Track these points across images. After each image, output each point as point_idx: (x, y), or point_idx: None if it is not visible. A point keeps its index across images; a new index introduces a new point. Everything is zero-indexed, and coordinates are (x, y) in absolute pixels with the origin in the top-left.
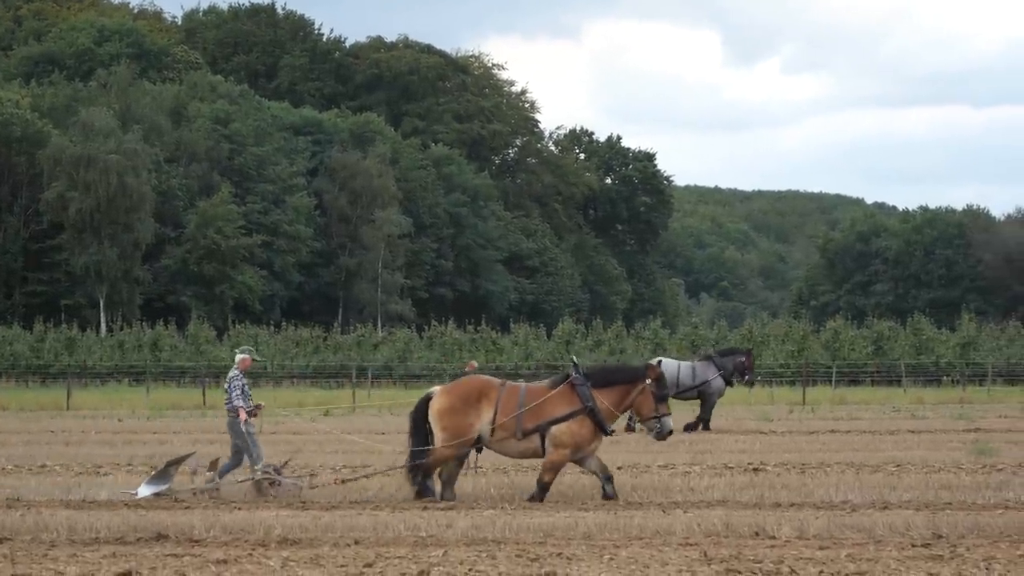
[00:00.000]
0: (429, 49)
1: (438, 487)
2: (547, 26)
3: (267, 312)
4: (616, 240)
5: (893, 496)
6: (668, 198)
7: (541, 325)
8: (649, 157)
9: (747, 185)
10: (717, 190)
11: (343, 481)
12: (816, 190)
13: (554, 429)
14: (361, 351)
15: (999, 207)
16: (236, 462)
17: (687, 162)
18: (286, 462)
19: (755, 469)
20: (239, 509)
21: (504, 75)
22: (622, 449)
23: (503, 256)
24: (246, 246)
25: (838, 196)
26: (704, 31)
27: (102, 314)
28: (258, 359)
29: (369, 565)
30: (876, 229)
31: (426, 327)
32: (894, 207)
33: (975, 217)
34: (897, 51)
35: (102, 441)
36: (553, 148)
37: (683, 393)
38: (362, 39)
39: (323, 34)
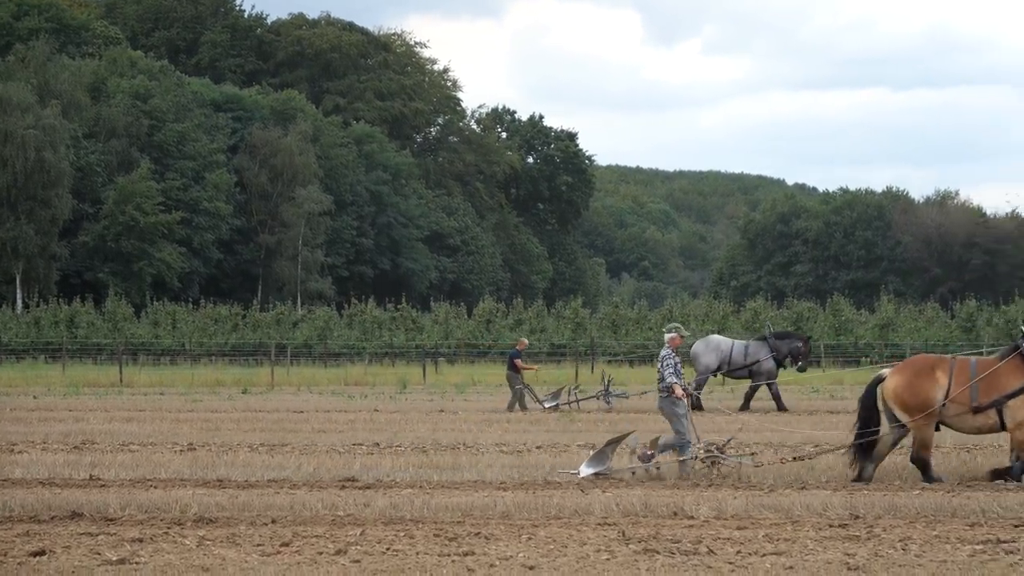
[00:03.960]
0: (351, 27)
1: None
2: (469, 5)
3: (185, 289)
4: (537, 219)
5: (811, 477)
6: (590, 177)
7: (462, 304)
8: (571, 136)
9: (668, 165)
10: (639, 170)
11: (795, 459)
12: (737, 171)
13: (1012, 404)
14: (280, 329)
15: (918, 189)
16: (679, 440)
17: (609, 142)
18: (729, 440)
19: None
20: (155, 487)
21: (426, 53)
22: (541, 429)
23: (424, 234)
24: (165, 223)
25: (759, 177)
26: (625, 11)
27: (18, 290)
28: (686, 335)
29: (286, 544)
30: (796, 210)
31: (346, 305)
32: (814, 188)
33: (895, 199)
34: (817, 33)
35: (16, 419)
36: (475, 127)
37: (734, 372)
38: (284, 16)
39: (244, 11)
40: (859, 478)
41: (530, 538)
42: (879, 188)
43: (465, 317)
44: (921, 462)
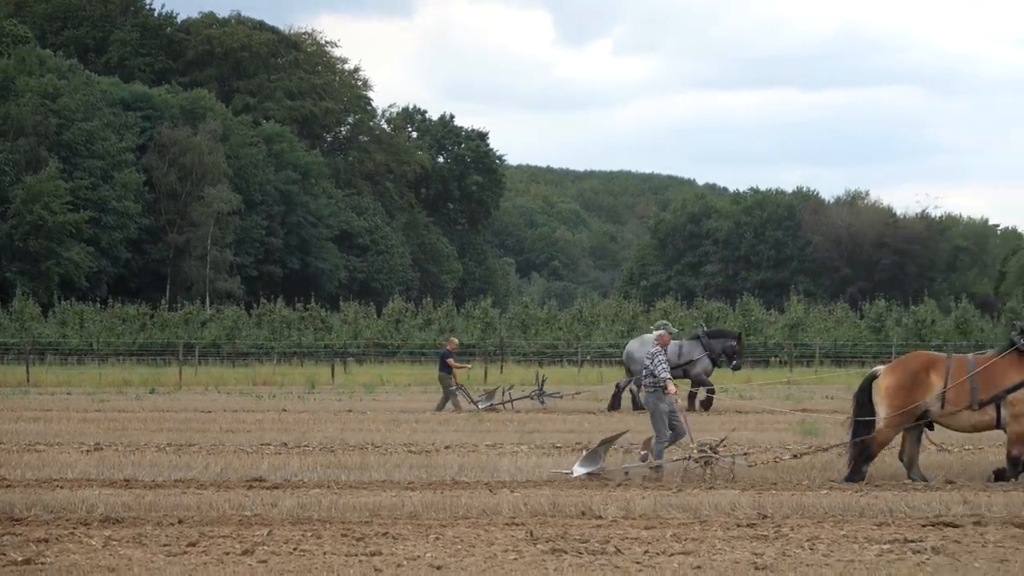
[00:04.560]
0: (261, 25)
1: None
2: (379, 4)
3: (94, 289)
4: (447, 219)
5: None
6: (500, 177)
7: (371, 303)
8: (481, 136)
9: (579, 165)
10: (549, 170)
11: (793, 457)
12: (648, 171)
13: (1011, 398)
14: (189, 329)
15: (828, 189)
16: (674, 438)
17: (520, 141)
18: (722, 440)
19: (583, 449)
20: (61, 488)
21: (337, 52)
22: (449, 429)
23: (333, 234)
24: (73, 222)
25: (669, 177)
26: (536, 11)
27: None
28: (674, 331)
29: (193, 544)
30: (707, 210)
31: (255, 305)
32: (725, 188)
33: (805, 199)
34: (728, 33)
35: None
36: (385, 126)
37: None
38: (194, 15)
39: (154, 9)
40: (851, 478)
41: (438, 538)
42: (789, 188)
43: (374, 317)
44: (868, 455)
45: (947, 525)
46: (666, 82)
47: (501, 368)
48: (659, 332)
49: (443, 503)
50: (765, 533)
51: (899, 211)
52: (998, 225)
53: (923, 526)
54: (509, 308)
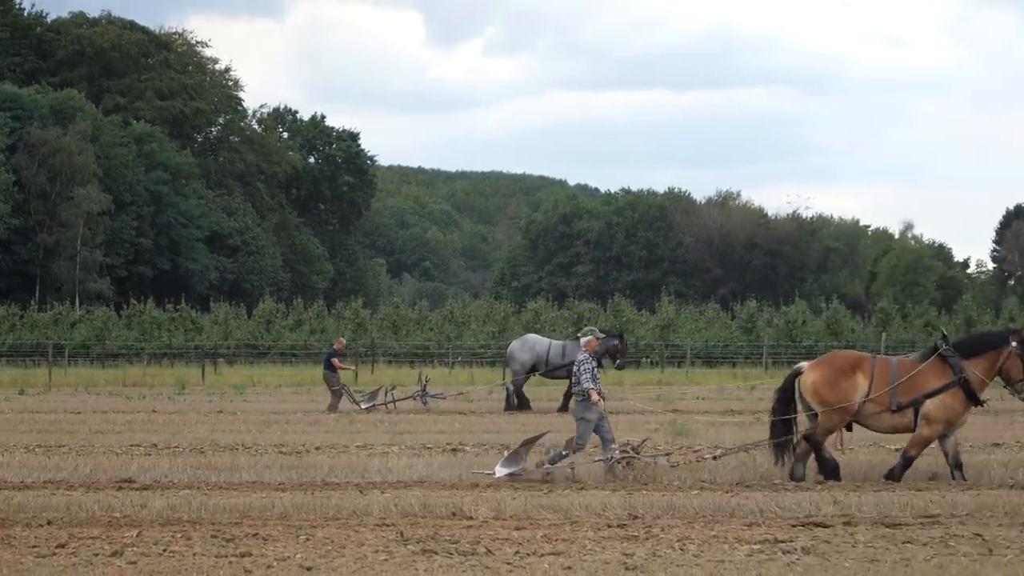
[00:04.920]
0: (132, 26)
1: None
2: (249, 4)
3: None
4: (319, 219)
5: (590, 477)
6: (371, 178)
7: (241, 304)
8: (352, 136)
9: (450, 166)
10: (420, 170)
11: (715, 458)
12: (519, 171)
13: (928, 403)
14: (58, 330)
15: (700, 190)
16: (583, 444)
17: (390, 142)
18: (644, 440)
19: (454, 450)
20: None
21: (208, 53)
22: (320, 430)
23: (204, 235)
24: None
25: (541, 178)
26: (407, 12)
27: None
28: (601, 336)
29: (62, 545)
30: (578, 211)
31: (125, 305)
32: (596, 189)
33: (676, 200)
34: (599, 34)
35: None
36: (256, 127)
37: (551, 372)
38: (64, 14)
39: (24, 8)
40: (792, 476)
41: (308, 539)
42: (661, 189)
43: (245, 317)
44: (814, 443)
45: (817, 525)
46: (537, 83)
47: (372, 369)
48: (587, 339)
49: (313, 504)
50: (636, 534)
51: (770, 212)
52: (869, 226)
53: (793, 526)
54: (380, 309)
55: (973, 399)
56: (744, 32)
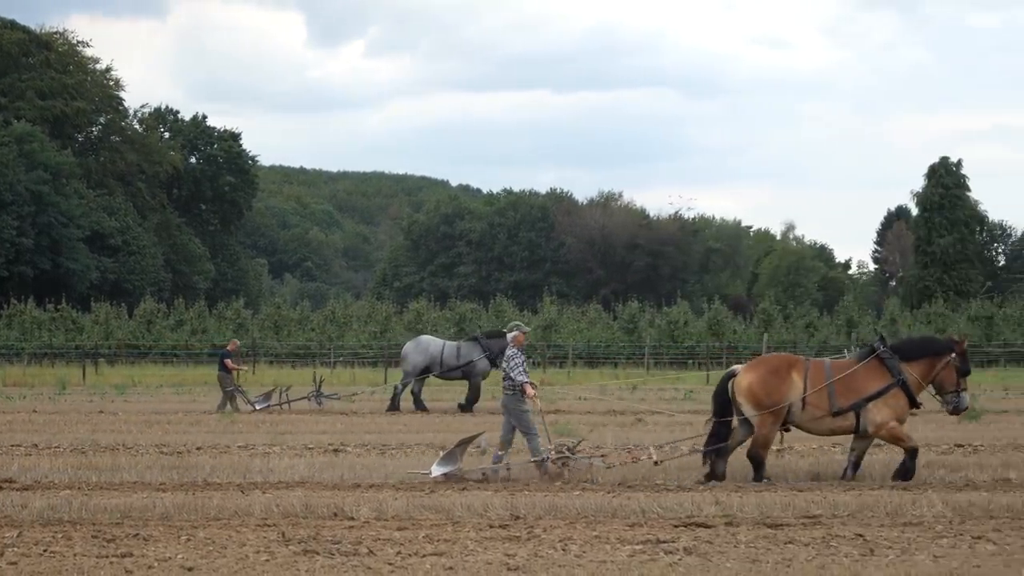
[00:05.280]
0: (12, 24)
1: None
2: (131, 4)
3: None
4: (200, 219)
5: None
6: (253, 178)
7: (122, 304)
8: (234, 137)
9: (332, 166)
10: (302, 171)
11: (657, 463)
12: (401, 172)
13: (871, 406)
14: None
15: (582, 191)
16: (509, 439)
17: (272, 142)
18: (579, 441)
19: (335, 450)
20: None
21: (89, 52)
22: (201, 430)
23: (85, 235)
24: None
25: (423, 178)
26: (289, 12)
27: None
28: (527, 331)
29: None
30: (460, 211)
31: (6, 305)
32: (478, 190)
33: (558, 200)
34: (481, 34)
35: None
36: (137, 127)
37: (446, 373)
38: None
39: None
40: (711, 476)
41: (189, 539)
42: (543, 190)
43: (126, 318)
44: (757, 460)
45: (699, 526)
46: (419, 83)
47: (253, 369)
48: (513, 333)
49: (195, 504)
50: (518, 534)
51: (652, 213)
52: (751, 227)
53: (675, 527)
54: (261, 309)
55: (912, 401)
56: (627, 34)
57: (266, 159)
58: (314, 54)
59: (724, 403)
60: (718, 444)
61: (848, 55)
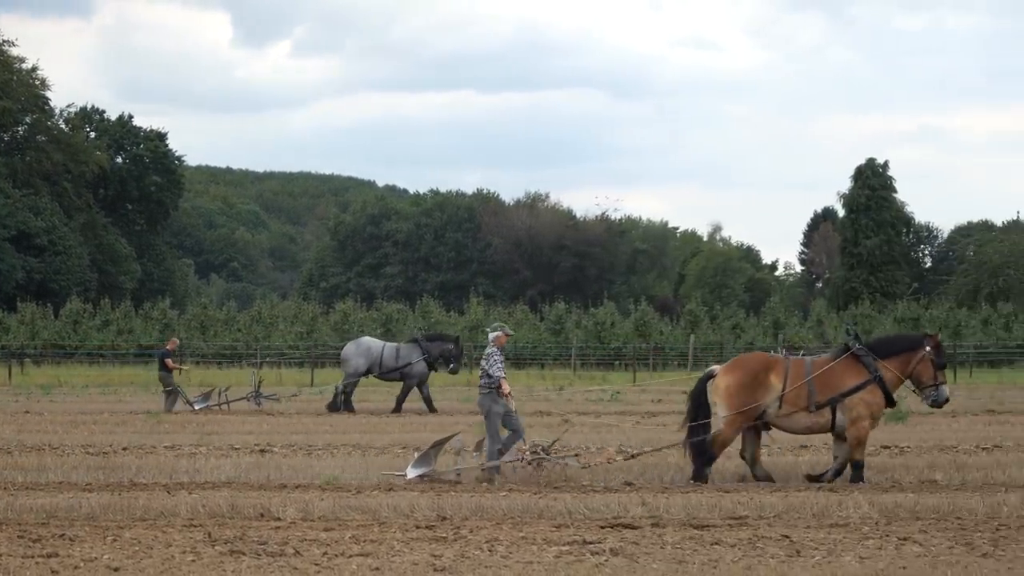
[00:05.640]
0: None
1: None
2: (57, 3)
3: None
4: (126, 219)
5: (399, 478)
6: (179, 178)
7: (48, 304)
8: (160, 136)
9: (258, 166)
10: (228, 171)
11: (628, 459)
12: (328, 172)
13: (848, 402)
14: None
15: (509, 192)
16: (513, 439)
17: (199, 142)
18: (554, 441)
19: (262, 451)
20: None
21: (15, 52)
22: (128, 430)
23: (10, 234)
24: None
25: (349, 178)
26: (215, 12)
27: None
28: (511, 333)
29: None
30: (387, 212)
31: None
32: (405, 190)
33: (485, 201)
34: (407, 34)
35: None
36: (63, 126)
37: (385, 374)
38: None
39: None
40: (697, 478)
41: (115, 540)
42: (469, 190)
43: (52, 318)
44: (709, 457)
45: (626, 527)
46: (346, 83)
47: (180, 370)
48: (496, 333)
49: (121, 504)
50: (444, 535)
51: (579, 213)
52: (677, 228)
53: (602, 528)
54: (188, 309)
55: (889, 399)
56: (553, 34)
57: (192, 159)
58: (240, 54)
59: (701, 404)
60: (698, 440)
61: (775, 56)
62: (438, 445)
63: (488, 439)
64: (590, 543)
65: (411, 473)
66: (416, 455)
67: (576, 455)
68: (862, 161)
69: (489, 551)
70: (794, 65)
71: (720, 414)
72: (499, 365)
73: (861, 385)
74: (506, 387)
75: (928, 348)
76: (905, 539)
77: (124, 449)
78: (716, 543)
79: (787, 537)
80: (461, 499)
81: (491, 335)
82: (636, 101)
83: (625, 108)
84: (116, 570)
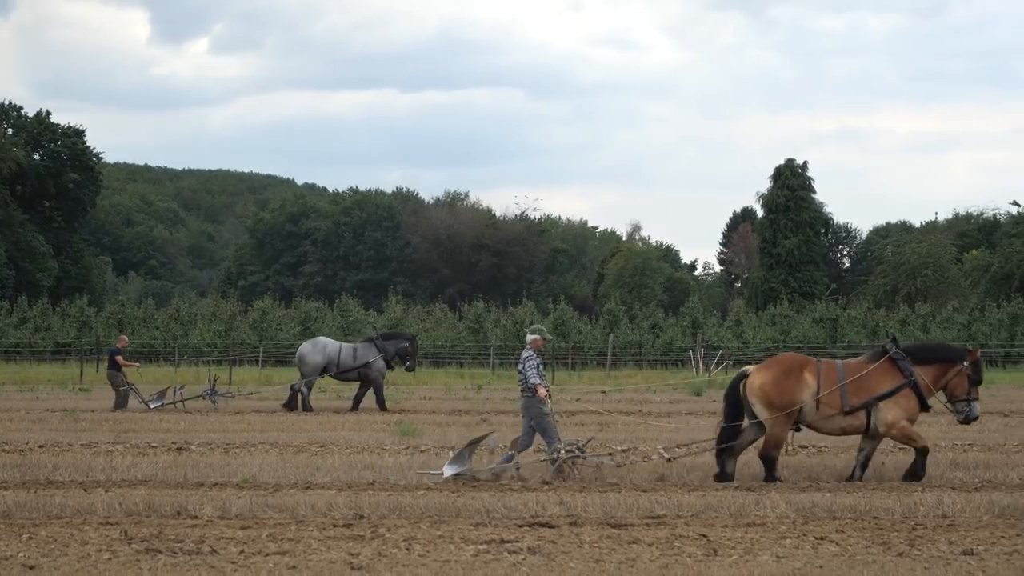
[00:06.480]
0: None
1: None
2: None
3: None
4: (43, 216)
5: (316, 476)
6: (97, 175)
7: None
8: (78, 133)
9: (177, 164)
10: (147, 168)
11: (669, 460)
12: (247, 170)
13: (882, 405)
14: None
15: (428, 190)
16: (528, 441)
17: (117, 139)
18: (589, 440)
19: (179, 449)
20: None
21: None
22: (44, 427)
23: None
24: None
25: (269, 176)
26: (133, 9)
27: None
28: (549, 338)
29: None
30: (306, 210)
31: None
32: (324, 188)
33: (404, 200)
34: (327, 32)
35: None
36: None
37: (343, 373)
38: None
39: None
40: (721, 476)
41: (31, 537)
42: (389, 189)
43: None
44: (769, 460)
45: (544, 526)
46: (265, 81)
47: (96, 367)
48: (533, 337)
49: (36, 502)
50: (362, 533)
51: (498, 213)
52: (597, 227)
53: (520, 526)
54: (105, 307)
55: (923, 404)
56: (473, 33)
57: (110, 156)
58: (158, 51)
59: (735, 403)
60: (728, 444)
61: (694, 56)
62: (473, 444)
63: (546, 441)
64: (508, 542)
65: (448, 471)
66: (452, 454)
67: (611, 454)
68: (781, 161)
69: (407, 549)
70: (714, 65)
71: (760, 414)
72: (534, 370)
73: (896, 389)
74: (542, 391)
75: (966, 363)
76: (822, 538)
77: (40, 447)
78: (634, 542)
79: (704, 536)
80: (379, 498)
81: (529, 338)
82: (556, 100)
83: (545, 107)
84: (32, 568)
